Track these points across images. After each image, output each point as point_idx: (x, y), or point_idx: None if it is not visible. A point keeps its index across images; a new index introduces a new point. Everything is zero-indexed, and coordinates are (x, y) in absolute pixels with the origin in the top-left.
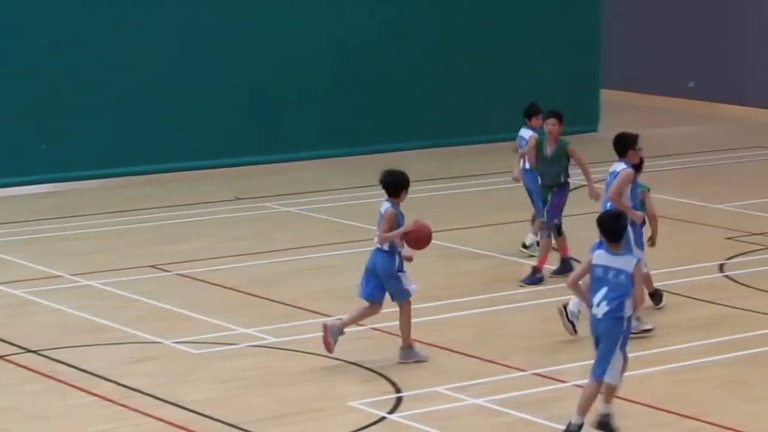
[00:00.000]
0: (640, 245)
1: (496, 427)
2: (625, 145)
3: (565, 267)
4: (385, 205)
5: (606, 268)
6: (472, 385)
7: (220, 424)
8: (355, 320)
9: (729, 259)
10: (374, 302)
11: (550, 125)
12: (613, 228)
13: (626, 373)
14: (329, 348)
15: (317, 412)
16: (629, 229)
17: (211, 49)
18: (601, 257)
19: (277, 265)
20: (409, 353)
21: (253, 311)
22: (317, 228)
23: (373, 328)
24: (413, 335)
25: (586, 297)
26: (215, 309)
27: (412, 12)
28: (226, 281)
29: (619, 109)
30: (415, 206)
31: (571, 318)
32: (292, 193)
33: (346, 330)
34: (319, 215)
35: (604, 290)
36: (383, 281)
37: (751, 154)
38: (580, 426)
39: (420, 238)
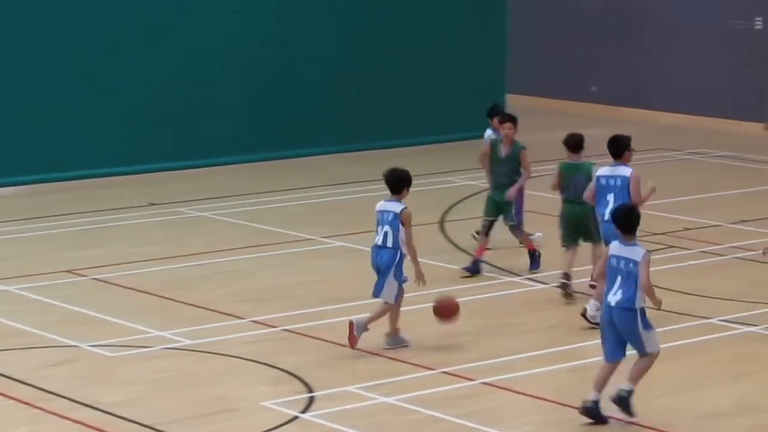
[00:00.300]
0: None
1: (406, 424)
2: (621, 147)
3: (476, 267)
4: (397, 206)
5: (619, 258)
6: (382, 384)
7: (135, 425)
8: (376, 318)
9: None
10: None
11: (507, 129)
12: (627, 220)
13: (533, 371)
14: (353, 343)
15: (231, 412)
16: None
17: (123, 54)
18: (615, 248)
19: (190, 268)
20: (395, 339)
21: (168, 314)
22: (230, 232)
23: (285, 330)
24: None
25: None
26: (130, 312)
27: (322, 19)
28: (140, 285)
29: (525, 113)
30: (326, 209)
31: (593, 321)
32: (205, 198)
33: (369, 326)
34: (232, 220)
35: (619, 279)
36: (386, 271)
37: (654, 156)
38: (597, 401)
39: (448, 312)
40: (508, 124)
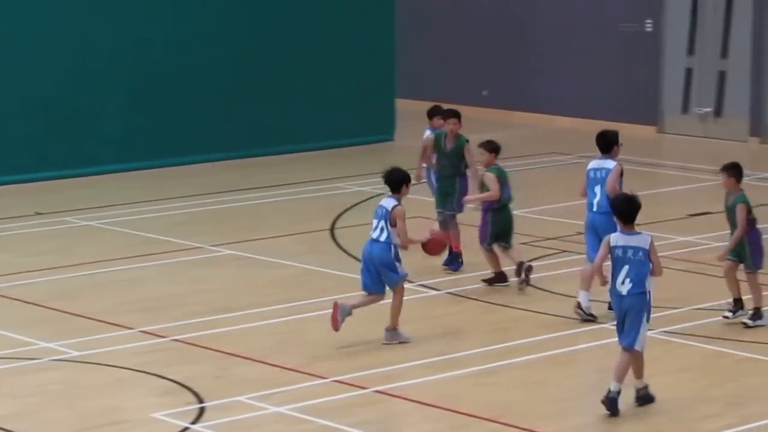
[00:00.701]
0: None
1: None
2: (610, 142)
3: (453, 259)
4: (391, 202)
5: (624, 248)
6: (273, 394)
7: None
8: (361, 305)
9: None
10: (374, 293)
11: (452, 124)
12: (628, 210)
13: (426, 378)
14: (336, 326)
15: (121, 424)
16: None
17: (4, 61)
18: (618, 239)
19: (78, 278)
20: (393, 335)
21: (55, 325)
22: (118, 241)
23: (175, 340)
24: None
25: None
26: (17, 324)
27: (209, 23)
28: (27, 296)
29: (416, 117)
30: (214, 217)
31: (588, 312)
32: (92, 207)
33: (354, 312)
34: (119, 228)
35: (626, 269)
36: (378, 270)
37: (545, 160)
38: (619, 392)
39: (439, 248)
40: (453, 120)
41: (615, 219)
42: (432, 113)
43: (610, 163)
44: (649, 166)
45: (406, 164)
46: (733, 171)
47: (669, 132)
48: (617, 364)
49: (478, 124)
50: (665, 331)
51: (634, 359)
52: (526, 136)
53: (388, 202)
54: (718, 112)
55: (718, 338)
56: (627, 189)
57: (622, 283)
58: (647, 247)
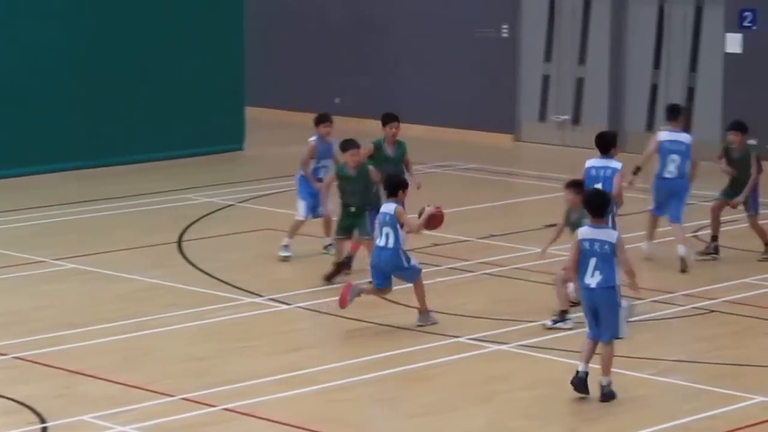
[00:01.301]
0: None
1: None
2: (609, 143)
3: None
4: (391, 206)
5: (592, 241)
6: (119, 413)
7: None
8: (369, 293)
9: None
10: (385, 288)
11: (394, 128)
12: (600, 204)
13: (277, 395)
14: (344, 305)
15: None
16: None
17: None
18: (585, 233)
19: None
20: (427, 317)
21: None
22: None
23: (17, 357)
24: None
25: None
26: None
27: (51, 31)
28: None
29: (266, 126)
30: (56, 230)
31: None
32: None
33: (363, 296)
34: None
35: (593, 261)
36: (392, 273)
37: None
38: (587, 373)
39: (440, 220)
40: (396, 123)
41: (586, 211)
42: (319, 121)
43: (614, 163)
44: (506, 175)
45: (256, 173)
46: (579, 189)
47: (526, 140)
48: (602, 358)
49: (331, 132)
50: (523, 345)
51: (608, 352)
52: None
53: (389, 207)
54: (575, 119)
55: (575, 351)
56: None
57: (592, 275)
58: (614, 242)
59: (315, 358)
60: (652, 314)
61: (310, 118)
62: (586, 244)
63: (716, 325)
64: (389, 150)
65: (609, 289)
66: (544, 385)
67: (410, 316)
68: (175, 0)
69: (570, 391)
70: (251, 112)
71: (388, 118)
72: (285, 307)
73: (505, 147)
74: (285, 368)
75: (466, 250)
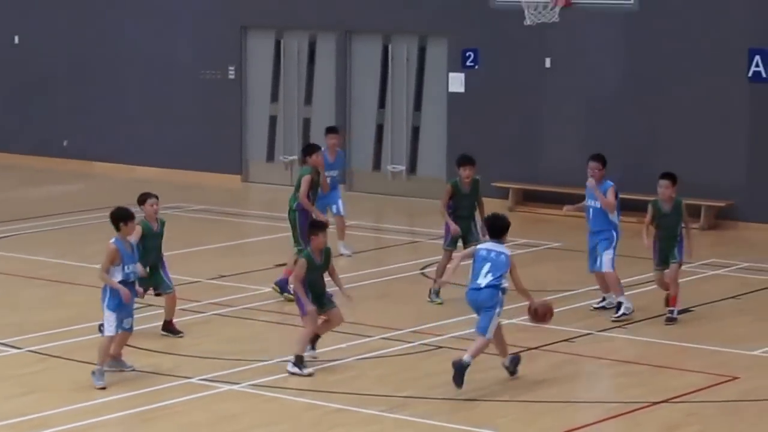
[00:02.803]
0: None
1: None
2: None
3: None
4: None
5: (489, 251)
6: None
7: None
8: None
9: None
10: None
11: (334, 139)
12: (497, 226)
13: None
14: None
15: None
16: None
17: None
18: (485, 245)
19: None
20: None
21: None
22: None
23: None
24: None
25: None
26: None
27: None
28: None
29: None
30: None
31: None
32: None
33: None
34: None
35: (487, 266)
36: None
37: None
38: (468, 364)
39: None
40: (336, 135)
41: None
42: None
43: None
44: (235, 216)
45: None
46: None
47: (254, 181)
48: (474, 345)
49: (59, 175)
50: (253, 385)
51: (478, 344)
52: (106, 187)
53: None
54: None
55: (308, 390)
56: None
57: (484, 276)
58: (509, 253)
59: (46, 402)
60: (381, 351)
61: (40, 161)
62: (483, 252)
63: (445, 361)
64: (330, 158)
65: (493, 288)
66: (274, 424)
67: (158, 359)
68: None
69: (304, 429)
70: None
71: (313, 150)
72: (14, 351)
73: (234, 188)
74: (16, 412)
75: (195, 291)
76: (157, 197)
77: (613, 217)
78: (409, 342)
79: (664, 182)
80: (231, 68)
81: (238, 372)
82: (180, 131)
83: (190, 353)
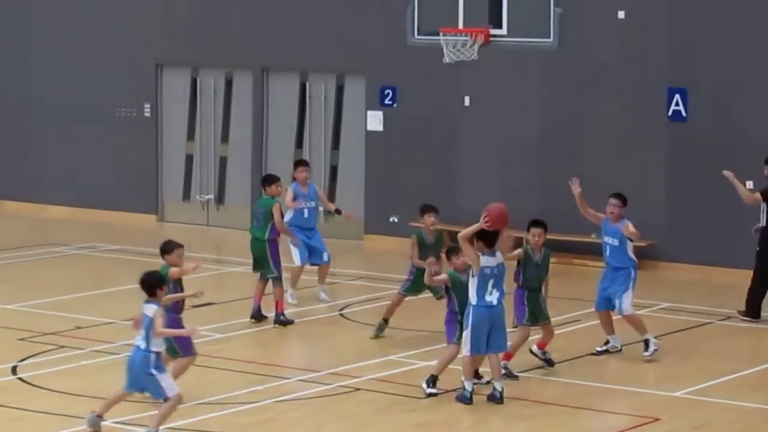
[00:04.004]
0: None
1: None
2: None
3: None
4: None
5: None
6: None
7: None
8: None
9: (22, 360)
10: None
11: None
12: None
13: None
14: None
15: None
16: None
17: None
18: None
19: None
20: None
21: None
22: None
23: None
24: None
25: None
26: None
27: None
28: None
29: None
30: None
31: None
32: None
33: None
34: None
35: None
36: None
37: (42, 252)
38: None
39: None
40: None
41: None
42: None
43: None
44: (150, 256)
45: None
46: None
47: (170, 220)
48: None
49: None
50: (171, 428)
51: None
52: (17, 226)
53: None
54: (220, 198)
55: None
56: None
57: (491, 294)
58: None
59: None
60: (299, 393)
61: None
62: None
63: (362, 402)
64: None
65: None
66: None
67: (64, 401)
68: None
69: None
70: None
71: (274, 181)
72: None
73: (149, 227)
74: None
75: (110, 332)
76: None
77: (632, 254)
78: (327, 384)
79: (536, 230)
80: (147, 106)
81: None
82: (95, 170)
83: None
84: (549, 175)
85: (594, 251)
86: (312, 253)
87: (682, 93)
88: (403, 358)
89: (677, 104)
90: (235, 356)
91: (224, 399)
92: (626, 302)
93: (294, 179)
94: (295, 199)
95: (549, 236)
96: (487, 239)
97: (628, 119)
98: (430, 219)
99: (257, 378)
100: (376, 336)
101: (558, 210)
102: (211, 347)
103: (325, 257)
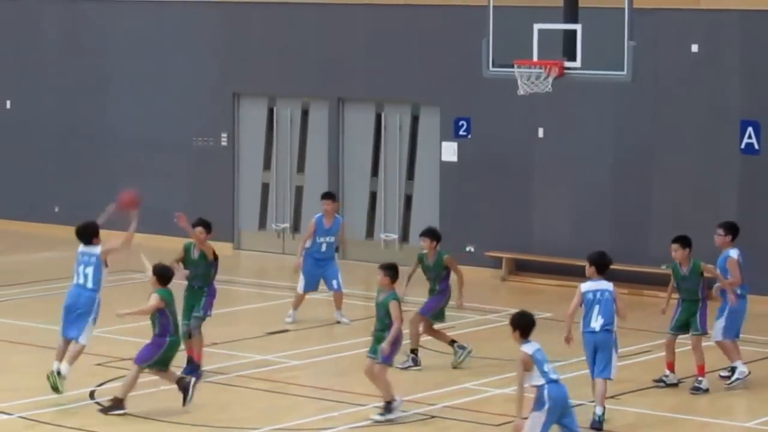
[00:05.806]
0: None
1: None
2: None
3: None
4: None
5: (594, 292)
6: None
7: None
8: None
9: (99, 385)
10: None
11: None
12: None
13: None
14: None
15: None
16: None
17: None
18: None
19: None
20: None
21: None
22: None
23: None
24: None
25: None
26: None
27: None
28: None
29: None
30: None
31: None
32: None
33: None
34: None
35: (596, 308)
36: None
37: (117, 278)
38: (603, 413)
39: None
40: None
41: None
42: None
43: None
44: (226, 284)
45: None
46: (390, 271)
47: (246, 248)
48: (598, 393)
49: (51, 241)
50: None
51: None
52: None
53: None
54: (295, 227)
55: None
56: None
57: (595, 320)
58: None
59: None
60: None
61: (32, 227)
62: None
63: (440, 430)
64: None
65: (609, 332)
66: None
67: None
68: None
69: None
70: None
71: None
72: (5, 417)
73: (225, 255)
74: None
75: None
76: None
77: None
78: (403, 411)
79: (674, 245)
80: (224, 135)
81: None
82: (172, 198)
83: (183, 421)
84: (622, 206)
85: (664, 282)
86: (326, 282)
87: (755, 126)
88: (476, 386)
89: (750, 137)
90: (309, 383)
91: (298, 426)
92: (717, 328)
93: (325, 211)
94: (312, 234)
95: (618, 267)
96: None
97: (700, 152)
98: (423, 243)
99: (331, 404)
100: (457, 364)
101: (632, 241)
102: (287, 374)
103: (335, 285)
